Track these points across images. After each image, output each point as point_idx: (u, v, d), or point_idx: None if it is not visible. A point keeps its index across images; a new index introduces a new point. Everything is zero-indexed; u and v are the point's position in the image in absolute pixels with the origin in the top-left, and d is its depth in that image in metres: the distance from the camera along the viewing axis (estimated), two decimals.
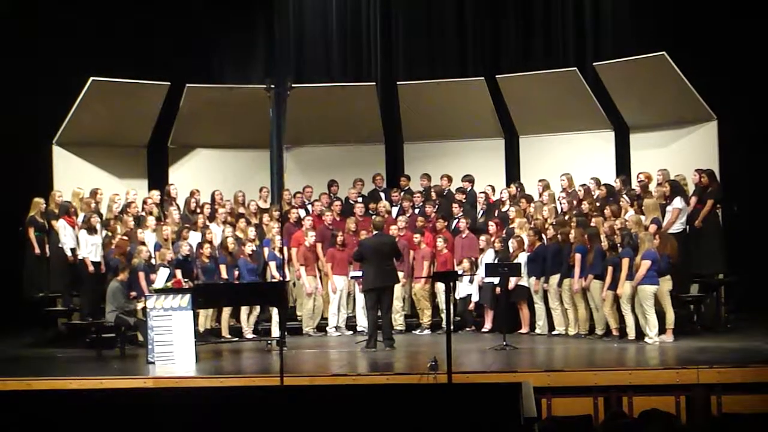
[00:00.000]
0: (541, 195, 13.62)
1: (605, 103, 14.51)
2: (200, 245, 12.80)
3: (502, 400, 6.71)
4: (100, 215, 13.33)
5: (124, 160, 14.90)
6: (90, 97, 13.95)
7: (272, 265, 13.02)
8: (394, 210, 14.25)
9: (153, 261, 12.58)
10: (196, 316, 11.52)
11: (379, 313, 11.75)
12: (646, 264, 11.17)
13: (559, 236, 12.36)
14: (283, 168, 14.89)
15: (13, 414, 6.99)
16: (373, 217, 13.14)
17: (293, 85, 14.47)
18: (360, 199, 14.53)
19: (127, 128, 14.72)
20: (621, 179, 13.51)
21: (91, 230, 12.82)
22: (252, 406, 7.00)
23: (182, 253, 12.60)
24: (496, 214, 13.71)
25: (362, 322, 12.86)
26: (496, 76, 15.08)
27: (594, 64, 14.51)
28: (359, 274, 12.23)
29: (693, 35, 14.10)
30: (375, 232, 12.24)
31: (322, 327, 13.38)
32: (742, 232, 13.31)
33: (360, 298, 12.90)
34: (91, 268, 12.73)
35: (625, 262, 11.38)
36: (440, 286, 12.91)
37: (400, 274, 12.99)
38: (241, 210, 14.18)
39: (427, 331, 13.24)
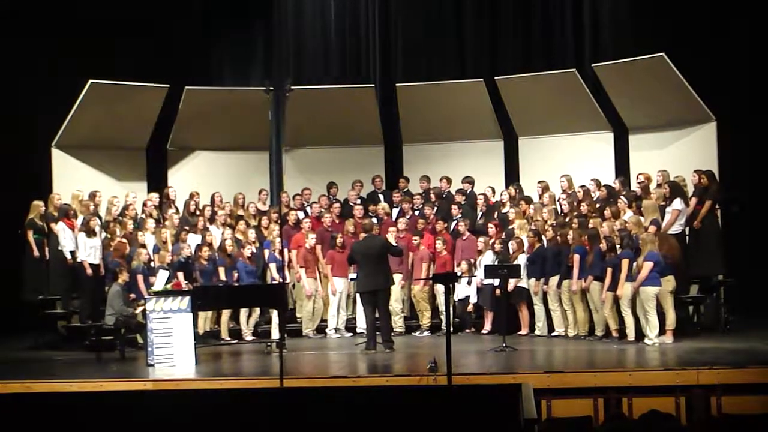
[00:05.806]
0: (540, 196, 13.61)
1: (604, 104, 14.52)
2: (199, 247, 12.80)
3: (502, 402, 6.73)
4: (99, 218, 13.33)
5: (123, 162, 14.89)
6: (89, 100, 13.95)
7: (273, 267, 13.02)
8: (394, 212, 14.26)
9: (152, 263, 12.59)
10: (195, 319, 11.51)
11: (377, 315, 11.76)
12: (648, 265, 11.14)
13: (558, 237, 12.36)
14: (282, 170, 14.90)
15: (13, 417, 6.99)
16: (363, 220, 13.15)
17: (292, 87, 14.53)
18: (359, 201, 14.52)
19: (127, 131, 14.71)
20: (620, 180, 13.51)
21: (90, 233, 12.80)
22: (252, 408, 7.02)
23: (183, 255, 12.60)
24: (495, 216, 13.70)
25: (362, 324, 12.83)
26: (495, 77, 15.07)
27: (593, 65, 14.51)
28: None
29: (692, 36, 14.11)
30: (364, 235, 12.25)
31: (321, 329, 13.37)
32: (741, 233, 13.31)
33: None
34: (89, 270, 12.72)
35: (625, 263, 11.36)
36: (440, 288, 12.91)
37: (399, 276, 13.03)
38: (241, 212, 14.17)
39: (426, 333, 13.23)
